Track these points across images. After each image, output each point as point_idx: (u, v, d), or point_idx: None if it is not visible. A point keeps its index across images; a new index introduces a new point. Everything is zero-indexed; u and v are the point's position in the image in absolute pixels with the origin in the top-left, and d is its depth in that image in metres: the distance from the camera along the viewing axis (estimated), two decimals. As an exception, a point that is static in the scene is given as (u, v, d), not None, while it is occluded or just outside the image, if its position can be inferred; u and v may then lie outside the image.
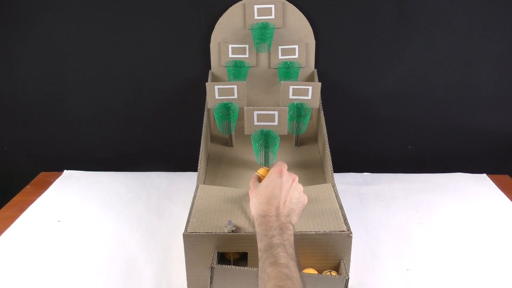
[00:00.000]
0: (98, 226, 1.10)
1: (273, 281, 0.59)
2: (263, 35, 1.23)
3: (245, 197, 0.91)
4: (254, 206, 0.75)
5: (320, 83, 1.14)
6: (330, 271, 0.82)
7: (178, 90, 1.36)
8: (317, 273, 0.81)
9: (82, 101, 1.38)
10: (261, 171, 0.86)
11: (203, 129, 1.12)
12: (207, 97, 1.15)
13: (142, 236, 1.06)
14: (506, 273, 0.93)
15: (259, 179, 0.84)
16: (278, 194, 0.73)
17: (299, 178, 0.79)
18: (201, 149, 1.06)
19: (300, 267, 0.64)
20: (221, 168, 1.12)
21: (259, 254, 0.66)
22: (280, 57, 1.28)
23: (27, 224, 1.11)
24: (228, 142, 1.23)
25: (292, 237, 0.68)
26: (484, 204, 1.19)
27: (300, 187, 0.77)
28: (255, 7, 1.25)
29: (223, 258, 0.87)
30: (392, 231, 1.07)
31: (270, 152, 1.05)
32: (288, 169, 1.09)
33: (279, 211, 0.71)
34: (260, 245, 0.67)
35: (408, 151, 1.43)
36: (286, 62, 1.27)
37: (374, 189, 1.28)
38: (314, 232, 0.81)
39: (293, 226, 0.71)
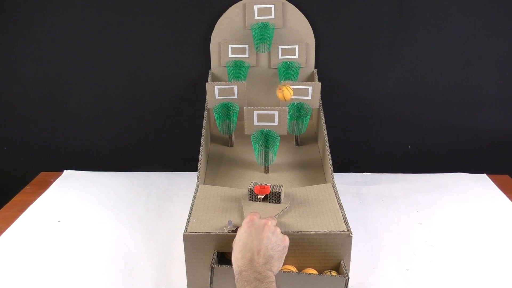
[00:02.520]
0: (98, 226, 1.10)
1: None
2: (263, 35, 1.23)
3: (245, 197, 0.91)
4: (233, 261, 0.72)
5: (320, 83, 1.14)
6: (330, 271, 0.82)
7: (178, 90, 1.36)
8: (317, 273, 0.81)
9: (82, 101, 1.38)
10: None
11: (203, 129, 1.12)
12: (207, 97, 1.15)
13: (142, 236, 1.06)
14: (506, 273, 0.93)
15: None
16: (250, 246, 0.71)
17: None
18: (201, 149, 1.06)
19: None
20: (221, 168, 1.12)
21: None
22: (280, 57, 1.28)
23: (27, 224, 1.11)
24: (228, 142, 1.22)
25: (273, 284, 0.66)
26: (484, 204, 1.19)
27: (277, 230, 0.74)
28: (255, 7, 1.25)
29: (223, 258, 0.87)
30: (392, 231, 1.07)
31: (270, 152, 1.05)
32: (288, 169, 1.10)
33: (254, 263, 0.68)
34: None
35: (408, 151, 1.43)
36: (286, 62, 1.27)
37: (374, 189, 1.28)
38: (314, 232, 0.81)
39: (274, 272, 0.69)
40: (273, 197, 0.89)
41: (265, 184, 0.89)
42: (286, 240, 0.75)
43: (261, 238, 0.72)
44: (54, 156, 1.46)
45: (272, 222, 0.76)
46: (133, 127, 1.42)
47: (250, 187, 0.90)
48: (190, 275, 0.84)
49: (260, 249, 0.70)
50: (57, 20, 1.28)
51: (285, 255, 0.74)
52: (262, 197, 0.89)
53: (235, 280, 0.69)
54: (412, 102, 1.36)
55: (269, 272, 0.68)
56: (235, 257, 0.71)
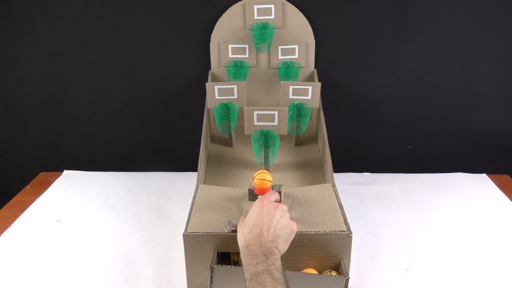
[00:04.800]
0: (98, 226, 1.10)
1: None
2: (263, 35, 1.23)
3: (245, 197, 0.91)
4: (239, 237, 0.74)
5: (320, 83, 1.14)
6: (330, 271, 0.82)
7: (178, 90, 1.36)
8: (317, 273, 0.81)
9: (82, 101, 1.38)
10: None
11: (203, 129, 1.12)
12: (207, 97, 1.15)
13: (142, 236, 1.06)
14: (506, 273, 0.93)
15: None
16: (260, 222, 0.73)
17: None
18: (201, 149, 1.06)
19: None
20: (221, 168, 1.12)
21: (246, 284, 0.66)
22: (280, 57, 1.28)
23: (27, 224, 1.11)
24: (228, 142, 1.23)
25: (279, 261, 0.67)
26: (484, 204, 1.19)
27: (286, 214, 0.76)
28: (255, 7, 1.25)
29: (223, 258, 0.87)
30: (392, 231, 1.07)
31: (270, 152, 1.05)
32: (288, 169, 1.10)
33: (262, 238, 0.70)
34: (246, 275, 0.67)
35: (408, 151, 1.43)
36: (286, 62, 1.27)
37: (374, 189, 1.28)
38: (314, 232, 0.81)
39: (280, 251, 0.70)
40: (273, 197, 0.88)
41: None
42: (294, 225, 0.76)
43: (271, 217, 0.74)
44: (54, 156, 1.45)
45: (283, 207, 0.77)
46: (133, 127, 1.42)
47: (250, 187, 0.90)
48: (190, 275, 0.84)
49: (269, 227, 0.72)
50: (57, 20, 1.28)
51: (291, 239, 0.75)
52: (262, 197, 0.89)
53: (241, 255, 0.70)
54: (412, 102, 1.36)
55: (275, 249, 0.69)
56: (243, 232, 0.73)
